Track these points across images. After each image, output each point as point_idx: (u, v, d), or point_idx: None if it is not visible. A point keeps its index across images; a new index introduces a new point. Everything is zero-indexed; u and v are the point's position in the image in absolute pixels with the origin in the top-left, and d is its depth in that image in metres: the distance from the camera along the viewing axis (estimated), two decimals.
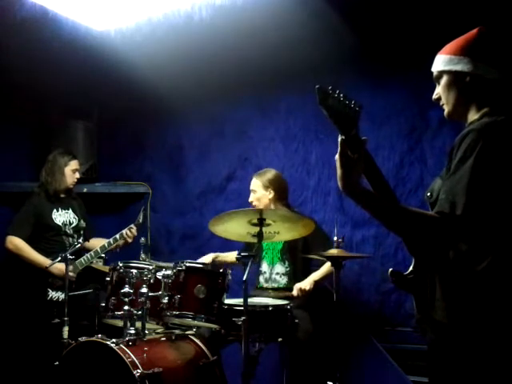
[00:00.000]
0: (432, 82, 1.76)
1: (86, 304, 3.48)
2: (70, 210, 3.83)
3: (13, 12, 3.31)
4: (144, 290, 2.63)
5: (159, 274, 2.71)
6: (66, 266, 3.16)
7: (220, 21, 3.48)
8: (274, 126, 4.22)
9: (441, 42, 1.76)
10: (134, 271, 2.69)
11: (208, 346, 2.80)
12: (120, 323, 2.70)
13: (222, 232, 2.96)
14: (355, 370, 3.28)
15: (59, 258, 3.22)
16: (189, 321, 2.76)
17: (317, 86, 1.40)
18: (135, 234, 3.58)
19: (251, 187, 3.45)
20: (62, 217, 3.76)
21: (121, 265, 2.78)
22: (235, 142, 4.37)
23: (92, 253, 3.58)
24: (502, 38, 1.71)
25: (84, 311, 3.46)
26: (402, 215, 1.54)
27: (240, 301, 2.61)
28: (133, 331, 2.59)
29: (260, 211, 2.72)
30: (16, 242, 3.59)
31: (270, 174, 3.44)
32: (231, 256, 3.48)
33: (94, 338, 2.54)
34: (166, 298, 2.66)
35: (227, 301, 2.79)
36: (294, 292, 3.13)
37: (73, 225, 3.78)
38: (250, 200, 3.44)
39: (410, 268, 1.81)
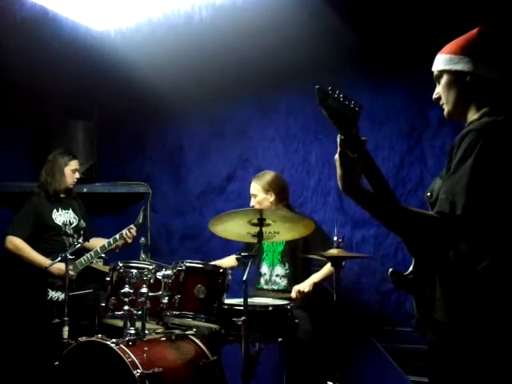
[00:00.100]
0: (432, 81, 1.76)
1: (86, 304, 3.48)
2: (70, 210, 3.83)
3: (13, 12, 3.31)
4: (144, 290, 2.63)
5: (159, 274, 2.71)
6: (66, 265, 3.17)
7: (220, 21, 3.48)
8: (274, 125, 4.22)
9: (441, 41, 1.76)
10: (134, 271, 2.69)
11: (208, 346, 2.80)
12: (120, 323, 2.70)
13: (221, 232, 2.96)
14: (355, 370, 3.28)
15: (59, 258, 3.22)
16: (189, 321, 2.76)
17: (316, 87, 1.40)
18: (135, 234, 3.58)
19: (251, 191, 3.42)
20: (62, 217, 3.76)
21: (121, 265, 2.78)
22: (235, 142, 4.37)
23: (92, 253, 3.58)
24: (502, 37, 1.70)
25: (84, 311, 3.46)
26: (401, 215, 1.54)
27: (240, 301, 2.61)
28: (133, 331, 2.59)
29: (260, 211, 2.72)
30: (16, 242, 3.59)
31: (269, 176, 3.42)
32: (227, 262, 3.46)
33: (94, 338, 2.54)
34: (166, 297, 2.66)
35: (227, 301, 2.79)
36: (293, 294, 3.13)
37: (73, 225, 3.78)
38: (251, 205, 3.40)
39: (410, 268, 1.81)
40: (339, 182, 1.50)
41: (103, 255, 3.58)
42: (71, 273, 3.37)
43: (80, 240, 3.40)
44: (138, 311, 2.62)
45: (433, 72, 1.75)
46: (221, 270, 2.78)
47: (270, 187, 3.37)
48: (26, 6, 3.31)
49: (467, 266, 1.53)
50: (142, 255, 3.09)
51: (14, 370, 3.57)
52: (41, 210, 3.70)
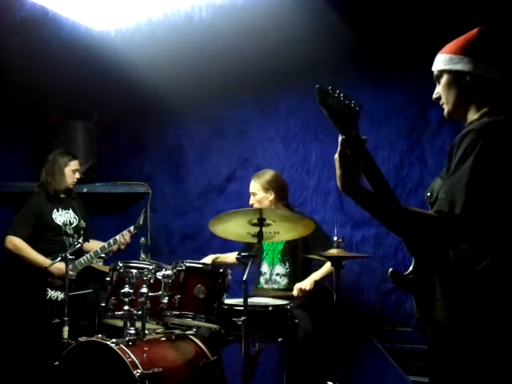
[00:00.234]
0: (432, 81, 1.76)
1: (86, 304, 3.48)
2: (70, 210, 3.83)
3: (13, 12, 3.31)
4: (144, 289, 2.63)
5: (159, 274, 2.71)
6: (66, 265, 3.17)
7: (220, 21, 3.48)
8: (274, 125, 4.22)
9: (441, 41, 1.76)
10: (134, 271, 2.69)
11: (208, 346, 2.80)
12: (120, 323, 2.70)
13: (221, 232, 2.96)
14: (355, 370, 3.28)
15: (59, 258, 3.22)
16: (189, 321, 2.76)
17: (317, 86, 1.39)
18: (128, 241, 3.57)
19: (251, 190, 3.42)
20: (62, 217, 3.76)
21: (121, 265, 2.78)
22: (235, 141, 4.37)
23: (92, 253, 3.58)
24: (502, 37, 1.70)
25: (84, 311, 3.46)
26: (401, 215, 1.54)
27: (240, 301, 2.61)
28: (133, 331, 2.59)
29: (260, 211, 2.72)
30: (16, 242, 3.59)
31: (269, 175, 3.42)
32: (231, 257, 3.47)
33: (94, 338, 2.54)
34: (166, 297, 2.66)
35: (227, 301, 2.79)
36: (294, 292, 3.13)
37: (73, 225, 3.78)
38: (250, 203, 3.41)
39: (410, 268, 1.81)
40: (339, 182, 1.50)
41: (103, 255, 3.58)
42: (71, 273, 3.37)
43: (80, 240, 3.40)
44: (137, 311, 2.62)
45: (433, 72, 1.75)
46: (221, 270, 2.78)
47: (270, 186, 3.38)
48: (26, 6, 3.31)
49: (467, 266, 1.53)
50: (142, 255, 3.09)
51: (14, 370, 3.57)
52: (41, 210, 3.70)
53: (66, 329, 3.00)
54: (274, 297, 3.11)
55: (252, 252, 2.61)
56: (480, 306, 1.51)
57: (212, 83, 4.18)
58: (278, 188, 3.41)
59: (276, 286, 3.34)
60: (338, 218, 3.50)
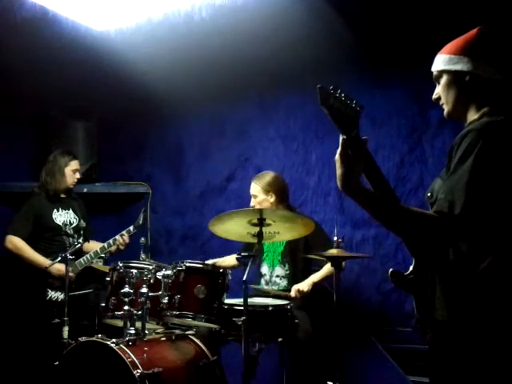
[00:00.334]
0: (432, 81, 1.76)
1: (86, 304, 3.48)
2: (71, 210, 3.83)
3: (13, 12, 3.31)
4: (144, 289, 2.63)
5: (159, 274, 2.71)
6: (66, 266, 3.17)
7: (220, 21, 3.48)
8: (274, 126, 4.22)
9: (441, 41, 1.76)
10: (134, 271, 2.69)
11: (208, 346, 2.79)
12: (120, 323, 2.70)
13: (221, 232, 2.96)
14: (355, 370, 3.28)
15: (59, 258, 3.22)
16: (189, 321, 2.76)
17: (318, 86, 1.39)
18: (127, 241, 3.57)
19: (252, 192, 3.41)
20: (62, 217, 3.76)
21: (121, 265, 2.78)
22: (235, 141, 4.37)
23: (92, 253, 3.58)
24: (502, 37, 1.70)
25: (84, 311, 3.46)
26: (401, 215, 1.54)
27: (240, 301, 2.61)
28: (133, 331, 2.59)
29: (260, 211, 2.72)
30: (15, 242, 3.59)
31: (269, 176, 3.41)
32: (228, 260, 3.47)
33: (94, 338, 2.54)
34: (166, 297, 2.65)
35: (227, 301, 2.79)
36: (292, 293, 3.12)
37: (73, 225, 3.78)
38: (251, 205, 3.40)
39: (410, 268, 1.81)
40: (339, 182, 1.49)
41: (103, 255, 3.58)
42: (71, 274, 3.37)
43: (80, 240, 3.40)
44: (137, 311, 2.62)
45: (432, 72, 1.75)
46: (221, 270, 2.77)
47: (270, 188, 3.37)
48: (26, 6, 3.31)
49: (468, 267, 1.53)
50: (142, 255, 3.09)
51: (14, 370, 3.57)
52: (41, 210, 3.70)
53: (66, 329, 3.00)
54: (272, 297, 3.11)
55: (252, 252, 2.61)
56: (481, 306, 1.51)
57: (212, 83, 4.18)
58: (279, 190, 3.40)
59: (276, 288, 3.34)
60: (338, 218, 3.50)
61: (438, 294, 1.60)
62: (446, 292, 1.58)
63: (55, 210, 3.74)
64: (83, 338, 2.59)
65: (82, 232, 3.51)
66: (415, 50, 3.48)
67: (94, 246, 3.68)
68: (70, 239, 3.73)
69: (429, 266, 1.67)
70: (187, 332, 2.86)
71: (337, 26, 3.53)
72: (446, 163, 1.61)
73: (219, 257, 3.55)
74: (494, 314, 1.50)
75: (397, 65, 3.68)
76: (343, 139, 1.45)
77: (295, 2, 3.36)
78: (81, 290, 3.41)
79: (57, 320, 3.11)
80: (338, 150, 1.47)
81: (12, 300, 3.69)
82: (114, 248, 3.58)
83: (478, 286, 1.51)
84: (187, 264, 2.74)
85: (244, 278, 2.40)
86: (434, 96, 1.75)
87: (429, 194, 1.70)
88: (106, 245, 3.57)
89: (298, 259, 3.32)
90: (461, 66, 1.65)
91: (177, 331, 2.84)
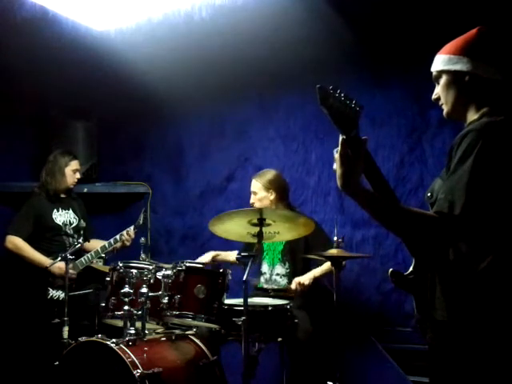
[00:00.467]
0: (432, 81, 1.76)
1: (86, 304, 3.48)
2: (71, 210, 3.83)
3: (13, 12, 3.31)
4: (144, 289, 2.63)
5: (159, 274, 2.71)
6: (66, 265, 3.17)
7: (220, 21, 3.48)
8: (274, 126, 4.22)
9: (441, 41, 1.76)
10: (134, 271, 2.69)
11: (208, 346, 2.80)
12: (120, 323, 2.70)
13: (221, 232, 2.96)
14: (355, 370, 3.28)
15: (59, 258, 3.23)
16: (189, 321, 2.76)
17: (318, 86, 1.39)
18: (133, 236, 3.57)
19: (252, 189, 3.42)
20: (62, 217, 3.76)
21: (121, 265, 2.78)
22: (235, 141, 4.37)
23: (92, 253, 3.58)
24: (502, 37, 1.70)
25: (84, 311, 3.46)
26: (401, 215, 1.54)
27: (240, 301, 2.61)
28: (133, 331, 2.59)
29: (260, 211, 2.72)
30: (16, 242, 3.59)
31: (270, 174, 3.43)
32: (232, 255, 3.47)
33: (94, 338, 2.54)
34: (166, 297, 2.65)
35: (227, 301, 2.79)
36: (293, 285, 3.11)
37: (73, 225, 3.78)
38: (251, 202, 3.41)
39: (410, 268, 1.81)
40: (339, 182, 1.49)
41: (103, 255, 3.58)
42: (71, 271, 3.37)
43: (80, 240, 3.40)
44: (138, 311, 2.62)
45: (432, 72, 1.74)
46: (221, 270, 2.78)
47: (271, 186, 3.38)
48: (26, 6, 3.31)
49: (468, 267, 1.53)
50: (142, 255, 3.09)
51: (14, 370, 3.57)
52: (41, 210, 3.70)
53: (66, 329, 3.00)
54: (273, 297, 3.11)
55: (252, 252, 2.61)
56: (481, 306, 1.51)
57: (212, 83, 4.18)
58: (279, 188, 3.41)
59: (276, 286, 3.34)
60: (338, 218, 3.50)
61: (437, 294, 1.60)
62: (445, 292, 1.58)
63: (55, 210, 3.74)
64: (83, 337, 2.59)
65: (81, 232, 3.51)
66: (415, 49, 3.48)
67: (95, 244, 3.68)
68: (70, 239, 3.73)
69: (429, 266, 1.67)
70: (187, 332, 2.86)
71: (337, 26, 3.52)
72: (445, 163, 1.61)
73: None
74: (493, 314, 1.50)
75: (397, 65, 3.68)
76: (343, 139, 1.45)
77: (295, 2, 3.36)
78: (81, 290, 3.41)
79: (57, 320, 3.11)
80: (338, 150, 1.47)
81: (12, 300, 3.69)
82: (119, 244, 3.57)
83: (477, 286, 1.51)
84: (187, 264, 2.74)
85: (244, 278, 2.40)
86: (434, 96, 1.75)
87: (429, 194, 1.70)
88: (106, 244, 3.57)
89: (298, 258, 3.32)
90: (460, 66, 1.65)
91: (177, 331, 2.84)
